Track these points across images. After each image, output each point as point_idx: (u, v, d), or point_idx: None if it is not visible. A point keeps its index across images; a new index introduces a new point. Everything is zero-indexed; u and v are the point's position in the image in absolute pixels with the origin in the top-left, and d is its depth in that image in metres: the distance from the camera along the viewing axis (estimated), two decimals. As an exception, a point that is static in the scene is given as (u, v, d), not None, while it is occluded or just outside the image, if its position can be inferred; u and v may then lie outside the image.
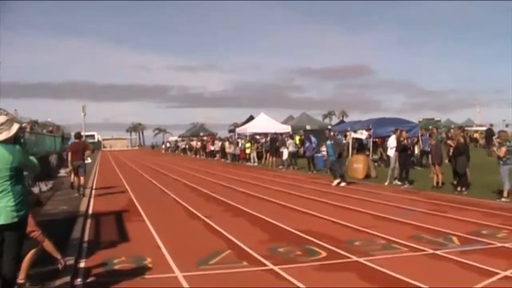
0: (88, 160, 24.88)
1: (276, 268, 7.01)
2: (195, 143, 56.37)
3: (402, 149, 17.53)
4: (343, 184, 18.13)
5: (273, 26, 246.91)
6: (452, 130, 28.29)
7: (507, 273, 6.46)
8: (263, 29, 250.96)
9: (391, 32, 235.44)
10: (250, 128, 42.00)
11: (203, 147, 51.64)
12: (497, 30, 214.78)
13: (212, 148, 47.49)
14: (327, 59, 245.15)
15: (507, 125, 45.44)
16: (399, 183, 17.47)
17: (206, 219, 11.41)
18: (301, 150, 30.25)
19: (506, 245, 8.08)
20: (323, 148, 21.88)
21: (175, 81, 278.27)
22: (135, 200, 15.39)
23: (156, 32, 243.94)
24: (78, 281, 6.66)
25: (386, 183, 17.92)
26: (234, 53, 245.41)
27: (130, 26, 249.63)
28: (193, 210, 12.96)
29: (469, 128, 56.48)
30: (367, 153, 24.81)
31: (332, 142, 19.46)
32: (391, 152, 18.43)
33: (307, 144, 26.29)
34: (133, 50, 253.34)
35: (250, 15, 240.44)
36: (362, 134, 26.45)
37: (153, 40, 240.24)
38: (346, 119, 74.39)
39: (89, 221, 11.55)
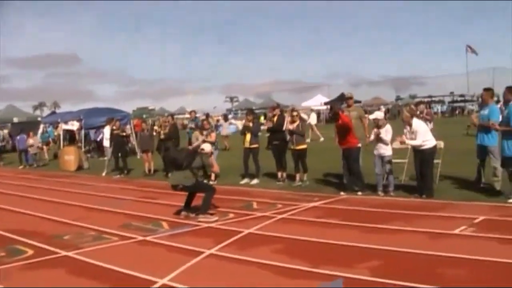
0: None
1: (-26, 274, 6.35)
2: None
3: (117, 139, 17.34)
4: None
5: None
6: (162, 118, 29.11)
7: (212, 251, 6.88)
8: None
9: (93, 20, 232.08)
10: None
11: None
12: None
13: None
14: (30, 48, 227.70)
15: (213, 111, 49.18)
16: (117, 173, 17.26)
17: None
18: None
19: (212, 225, 8.61)
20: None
21: None
22: None
23: None
24: None
25: (103, 174, 17.68)
26: None
27: None
28: None
29: (180, 116, 59.15)
30: (79, 144, 24.04)
31: None
32: (107, 143, 18.22)
33: (18, 137, 24.20)
34: None
35: None
36: (74, 125, 25.53)
37: None
38: (58, 110, 71.29)
39: None
